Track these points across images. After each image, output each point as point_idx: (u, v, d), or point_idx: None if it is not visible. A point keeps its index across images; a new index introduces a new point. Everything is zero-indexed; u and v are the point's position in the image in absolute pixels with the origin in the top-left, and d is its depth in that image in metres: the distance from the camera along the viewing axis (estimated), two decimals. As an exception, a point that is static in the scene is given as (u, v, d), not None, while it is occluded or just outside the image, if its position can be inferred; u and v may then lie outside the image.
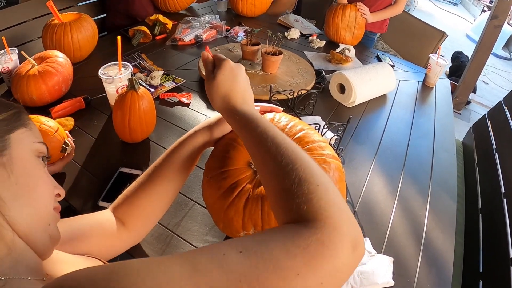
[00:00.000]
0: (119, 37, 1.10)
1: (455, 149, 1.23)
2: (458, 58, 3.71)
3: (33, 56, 1.18)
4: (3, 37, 1.20)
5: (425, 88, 1.61)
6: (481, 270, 1.08)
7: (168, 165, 0.66)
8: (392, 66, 1.72)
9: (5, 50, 1.22)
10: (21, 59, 1.19)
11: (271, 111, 0.75)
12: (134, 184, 0.67)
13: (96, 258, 0.57)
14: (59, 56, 1.22)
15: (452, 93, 3.12)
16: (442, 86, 1.66)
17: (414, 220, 0.92)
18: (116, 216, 0.66)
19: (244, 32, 1.88)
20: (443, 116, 1.42)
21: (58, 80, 1.16)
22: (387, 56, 1.85)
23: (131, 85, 0.99)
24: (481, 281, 1.04)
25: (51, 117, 1.11)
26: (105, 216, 0.65)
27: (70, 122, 1.10)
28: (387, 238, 0.86)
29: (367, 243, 0.82)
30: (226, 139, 0.70)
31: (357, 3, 1.79)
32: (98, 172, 0.97)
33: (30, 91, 1.11)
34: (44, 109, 1.14)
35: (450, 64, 3.80)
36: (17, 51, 1.25)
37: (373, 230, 0.88)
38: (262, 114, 0.73)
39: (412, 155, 1.16)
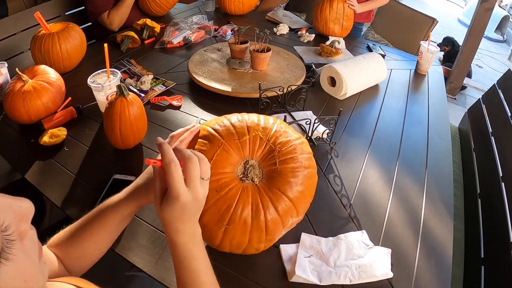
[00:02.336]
0: (105, 45, 1.09)
1: (449, 135, 1.23)
2: (451, 43, 3.70)
3: (23, 71, 1.17)
4: (-10, 52, 1.20)
5: (418, 75, 1.60)
6: (482, 256, 1.07)
7: (102, 226, 0.63)
8: (383, 56, 1.72)
9: (-7, 65, 1.21)
10: (12, 73, 1.18)
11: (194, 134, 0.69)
12: (66, 235, 0.64)
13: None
14: (50, 72, 1.20)
15: (446, 79, 3.13)
16: (434, 72, 1.65)
17: (411, 210, 0.92)
18: (54, 253, 0.63)
19: (231, 31, 1.88)
20: (437, 102, 1.41)
21: (54, 94, 1.15)
22: (378, 46, 1.84)
23: (120, 92, 0.98)
24: (483, 266, 1.04)
25: (44, 129, 1.11)
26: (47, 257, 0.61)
27: (62, 132, 1.09)
28: (384, 229, 0.86)
29: (364, 235, 0.81)
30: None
31: None
32: (92, 180, 0.96)
33: (27, 108, 1.09)
34: (37, 123, 1.13)
35: (439, 50, 3.77)
36: (6, 65, 1.25)
37: (369, 222, 0.87)
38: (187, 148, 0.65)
39: (406, 144, 1.15)
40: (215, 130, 0.69)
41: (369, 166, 1.06)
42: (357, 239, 0.80)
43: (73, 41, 1.42)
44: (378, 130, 1.22)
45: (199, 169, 0.51)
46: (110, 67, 1.15)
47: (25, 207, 0.33)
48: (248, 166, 0.69)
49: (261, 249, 0.70)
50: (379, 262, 0.75)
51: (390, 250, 0.78)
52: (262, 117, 0.74)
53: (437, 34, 4.15)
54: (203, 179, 0.52)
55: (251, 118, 0.73)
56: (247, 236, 0.66)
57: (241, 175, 0.68)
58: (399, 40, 2.36)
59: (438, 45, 3.42)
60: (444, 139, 1.21)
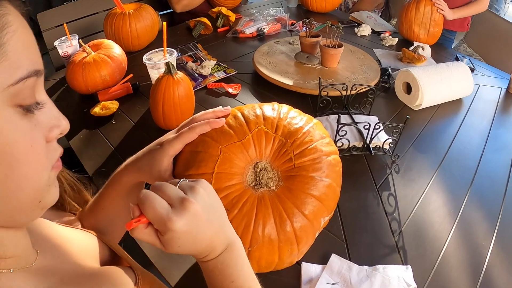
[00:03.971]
0: (164, 23, 1.08)
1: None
2: None
3: (88, 44, 1.21)
4: (64, 24, 1.26)
5: (509, 96, 1.34)
6: None
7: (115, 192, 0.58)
8: (472, 70, 1.48)
9: (66, 37, 1.28)
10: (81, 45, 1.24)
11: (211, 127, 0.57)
12: (96, 197, 0.61)
13: (89, 231, 0.52)
14: (114, 47, 1.23)
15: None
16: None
17: (474, 251, 0.74)
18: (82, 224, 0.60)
19: (303, 23, 1.78)
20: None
21: (113, 69, 1.18)
22: (467, 58, 1.60)
23: (168, 70, 0.95)
24: None
25: (98, 100, 1.13)
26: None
27: (114, 105, 1.10)
28: (435, 269, 0.69)
29: (408, 272, 0.67)
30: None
31: None
32: (128, 156, 0.94)
33: (85, 78, 1.13)
34: (93, 94, 1.16)
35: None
36: (77, 37, 1.31)
37: (419, 257, 0.72)
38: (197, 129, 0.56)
39: (483, 172, 0.95)
40: (207, 134, 0.56)
41: (434, 189, 0.89)
42: (398, 274, 0.65)
43: (144, 22, 1.45)
44: (453, 150, 1.03)
45: (170, 185, 0.41)
46: (177, 49, 1.14)
47: (63, 123, 0.35)
48: (258, 170, 0.57)
49: (295, 261, 0.60)
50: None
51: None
52: (257, 106, 0.62)
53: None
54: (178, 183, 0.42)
55: (246, 110, 0.60)
56: (276, 253, 0.55)
57: (253, 183, 0.56)
58: (493, 56, 2.06)
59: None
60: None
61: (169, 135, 0.56)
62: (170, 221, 0.38)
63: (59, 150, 0.36)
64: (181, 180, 0.42)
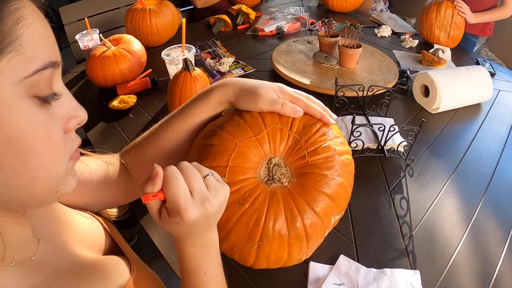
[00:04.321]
0: (184, 19, 1.09)
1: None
2: None
3: (108, 38, 1.24)
4: (85, 18, 1.28)
5: (531, 102, 1.31)
6: None
7: (182, 123, 0.58)
8: (493, 75, 1.45)
9: (87, 31, 1.31)
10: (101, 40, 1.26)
11: (320, 119, 0.59)
12: (147, 133, 0.61)
13: (96, 217, 0.53)
14: (133, 42, 1.25)
15: None
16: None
17: (485, 259, 0.73)
18: (124, 163, 0.60)
19: (322, 23, 1.78)
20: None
21: (132, 63, 1.20)
22: (488, 63, 1.56)
23: (185, 66, 0.97)
24: None
25: (117, 94, 1.16)
26: (110, 164, 0.59)
27: (132, 99, 1.13)
28: (444, 275, 0.69)
29: (416, 277, 0.66)
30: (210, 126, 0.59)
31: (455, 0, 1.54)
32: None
33: (104, 72, 1.15)
34: (112, 88, 1.19)
35: None
36: (98, 32, 1.33)
37: (428, 263, 0.71)
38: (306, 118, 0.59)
39: (499, 179, 0.93)
40: (223, 128, 0.57)
41: (447, 195, 0.88)
42: (406, 279, 0.65)
43: (164, 18, 1.47)
44: (469, 155, 1.01)
45: (199, 174, 0.42)
46: (196, 46, 1.15)
47: (81, 113, 0.36)
48: (272, 165, 0.57)
49: (304, 258, 0.60)
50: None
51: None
52: None
53: None
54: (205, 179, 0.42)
55: None
56: (286, 249, 0.56)
57: (266, 178, 0.57)
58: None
59: None
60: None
61: (270, 91, 0.57)
62: (185, 211, 0.39)
63: (77, 141, 0.37)
64: (210, 174, 0.43)
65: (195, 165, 0.43)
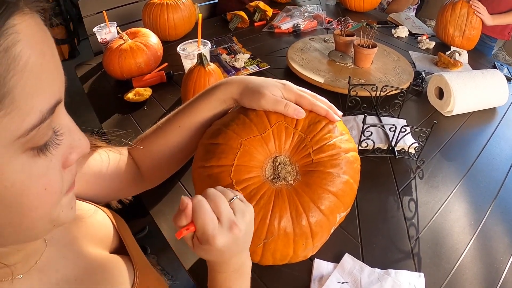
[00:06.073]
0: (200, 15, 1.10)
1: None
2: None
3: (126, 31, 1.26)
4: (104, 11, 1.31)
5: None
6: None
7: (188, 118, 0.60)
8: (509, 79, 1.42)
9: (105, 23, 1.33)
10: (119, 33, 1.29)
11: (325, 116, 0.59)
12: (154, 127, 0.62)
13: (104, 210, 0.54)
14: (150, 36, 1.27)
15: None
16: None
17: (491, 266, 0.73)
18: (132, 156, 0.62)
19: (337, 21, 1.77)
20: None
21: (148, 57, 1.21)
22: (506, 67, 1.53)
23: (200, 61, 0.98)
24: None
25: (132, 86, 1.18)
26: (121, 155, 0.60)
27: (147, 92, 1.15)
28: (448, 279, 0.69)
29: (421, 279, 0.67)
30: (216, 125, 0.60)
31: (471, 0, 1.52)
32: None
33: (120, 65, 1.18)
34: (128, 80, 1.21)
35: None
36: (116, 25, 1.36)
37: (433, 266, 0.71)
38: (309, 114, 0.60)
39: (511, 185, 0.92)
40: (228, 127, 0.58)
41: (457, 198, 0.88)
42: (409, 281, 0.65)
43: (181, 13, 1.48)
44: (481, 160, 1.00)
45: (225, 199, 0.43)
46: (212, 41, 1.16)
47: (83, 143, 0.32)
48: (277, 164, 0.58)
49: (310, 255, 0.62)
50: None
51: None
52: None
53: None
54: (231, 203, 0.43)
55: None
56: (291, 246, 0.57)
57: (271, 177, 0.57)
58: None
59: None
60: None
61: (275, 90, 0.58)
62: (214, 238, 0.40)
63: (74, 171, 0.33)
64: (234, 197, 0.44)
65: (220, 189, 0.44)
